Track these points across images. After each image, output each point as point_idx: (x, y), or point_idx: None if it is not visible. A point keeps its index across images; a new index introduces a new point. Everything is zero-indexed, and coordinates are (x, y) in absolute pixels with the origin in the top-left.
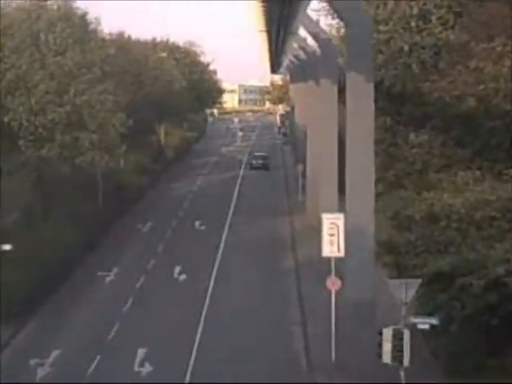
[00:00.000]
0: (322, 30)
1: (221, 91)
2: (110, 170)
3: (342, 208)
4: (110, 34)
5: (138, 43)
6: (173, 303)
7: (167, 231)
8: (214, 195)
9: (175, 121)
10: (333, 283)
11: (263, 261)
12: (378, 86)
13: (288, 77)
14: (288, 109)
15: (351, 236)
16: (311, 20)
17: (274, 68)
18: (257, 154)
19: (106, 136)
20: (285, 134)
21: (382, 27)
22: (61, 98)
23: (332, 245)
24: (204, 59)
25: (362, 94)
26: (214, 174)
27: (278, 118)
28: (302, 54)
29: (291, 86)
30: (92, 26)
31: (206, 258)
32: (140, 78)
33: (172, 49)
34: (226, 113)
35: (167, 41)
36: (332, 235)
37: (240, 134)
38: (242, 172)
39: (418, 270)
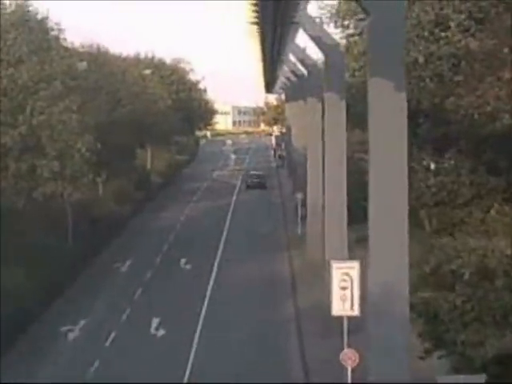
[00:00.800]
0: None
1: (212, 112)
2: (83, 201)
3: (351, 247)
4: (82, 46)
5: (117, 58)
6: (146, 370)
7: (148, 271)
8: (204, 226)
9: (163, 143)
10: (348, 358)
11: (257, 310)
12: None
13: (283, 96)
14: (283, 130)
15: (375, 296)
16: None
17: (269, 87)
18: (252, 172)
19: (70, 163)
20: (280, 157)
21: None
22: (14, 117)
23: (344, 301)
24: (193, 77)
25: (390, 106)
26: (205, 201)
27: (273, 140)
28: (301, 68)
29: (287, 106)
30: (53, 33)
31: (189, 308)
32: (117, 96)
33: (157, 65)
34: (220, 135)
35: (153, 57)
36: (344, 289)
37: (233, 156)
38: (234, 198)
39: (469, 349)
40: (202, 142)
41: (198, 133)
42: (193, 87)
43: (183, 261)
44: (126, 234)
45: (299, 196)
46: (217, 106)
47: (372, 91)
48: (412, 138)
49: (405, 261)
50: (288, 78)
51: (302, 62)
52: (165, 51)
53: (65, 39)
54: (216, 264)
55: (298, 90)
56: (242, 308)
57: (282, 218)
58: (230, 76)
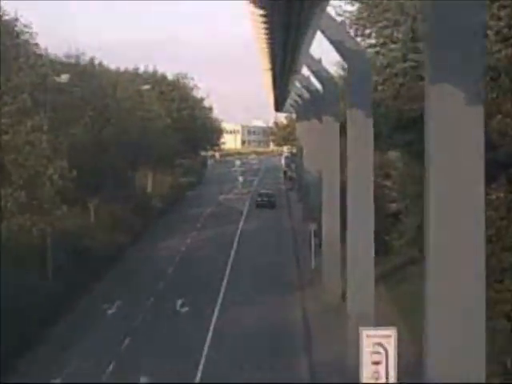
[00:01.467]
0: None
1: (219, 131)
2: (69, 230)
3: (379, 286)
4: (67, 56)
5: (111, 71)
6: None
7: (139, 315)
8: (206, 259)
9: (165, 165)
10: None
11: (264, 371)
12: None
13: (294, 115)
14: (294, 150)
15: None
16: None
17: (279, 105)
18: (262, 191)
19: (40, 193)
20: (291, 179)
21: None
22: None
23: (377, 379)
24: (198, 94)
25: (460, 123)
26: (209, 228)
27: (283, 161)
28: (315, 83)
29: (298, 125)
30: (23, 38)
31: (183, 363)
32: (107, 113)
33: (157, 80)
34: (229, 155)
35: (154, 72)
36: (377, 364)
37: (241, 179)
38: (241, 225)
39: None
40: (210, 162)
41: (206, 153)
42: (196, 105)
43: (179, 302)
44: (119, 268)
45: (313, 227)
46: (225, 125)
47: (431, 102)
48: None
49: (482, 334)
50: (299, 95)
51: (317, 74)
52: (168, 67)
53: (37, 44)
54: (217, 307)
55: (311, 107)
56: (244, 369)
57: (292, 249)
58: (241, 96)
